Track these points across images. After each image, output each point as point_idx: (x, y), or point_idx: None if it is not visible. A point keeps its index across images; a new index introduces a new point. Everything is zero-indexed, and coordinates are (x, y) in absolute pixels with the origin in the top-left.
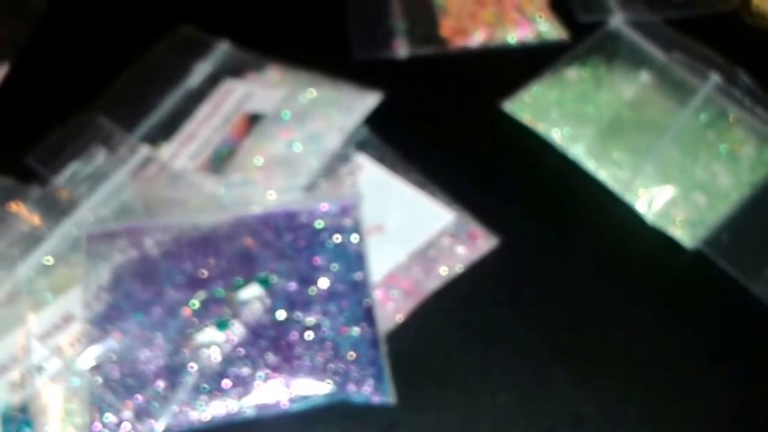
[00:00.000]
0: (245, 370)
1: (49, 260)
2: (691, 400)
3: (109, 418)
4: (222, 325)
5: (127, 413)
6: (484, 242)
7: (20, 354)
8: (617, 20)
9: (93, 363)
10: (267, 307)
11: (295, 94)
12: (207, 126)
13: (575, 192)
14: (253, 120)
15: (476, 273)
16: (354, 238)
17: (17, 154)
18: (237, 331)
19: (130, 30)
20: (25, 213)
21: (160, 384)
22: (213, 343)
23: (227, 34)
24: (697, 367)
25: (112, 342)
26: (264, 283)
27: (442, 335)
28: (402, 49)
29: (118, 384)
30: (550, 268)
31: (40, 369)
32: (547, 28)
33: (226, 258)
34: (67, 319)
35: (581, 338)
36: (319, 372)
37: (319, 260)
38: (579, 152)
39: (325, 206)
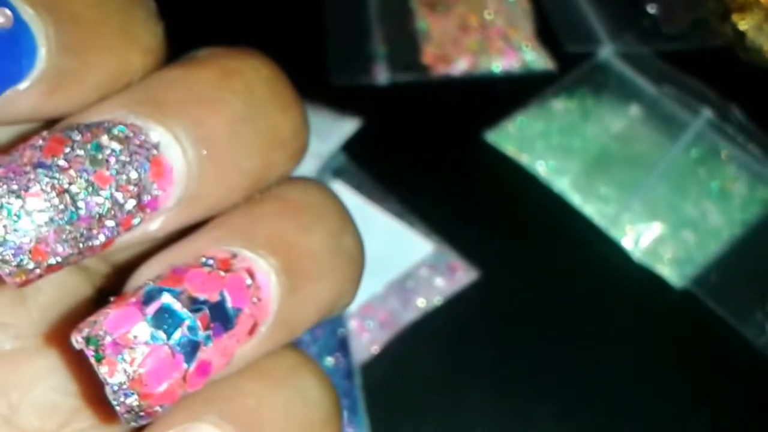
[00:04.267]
0: None
1: None
2: None
3: None
4: None
5: None
6: (464, 275)
7: None
8: (606, 51)
9: None
10: None
11: None
12: None
13: (559, 227)
14: None
15: (455, 306)
16: None
17: None
18: None
19: None
20: None
21: None
22: None
23: None
24: (682, 408)
25: None
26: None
27: (418, 368)
28: (382, 75)
29: None
30: (531, 304)
31: None
32: (533, 57)
33: None
34: None
35: (562, 375)
36: None
37: None
38: (564, 186)
39: None
